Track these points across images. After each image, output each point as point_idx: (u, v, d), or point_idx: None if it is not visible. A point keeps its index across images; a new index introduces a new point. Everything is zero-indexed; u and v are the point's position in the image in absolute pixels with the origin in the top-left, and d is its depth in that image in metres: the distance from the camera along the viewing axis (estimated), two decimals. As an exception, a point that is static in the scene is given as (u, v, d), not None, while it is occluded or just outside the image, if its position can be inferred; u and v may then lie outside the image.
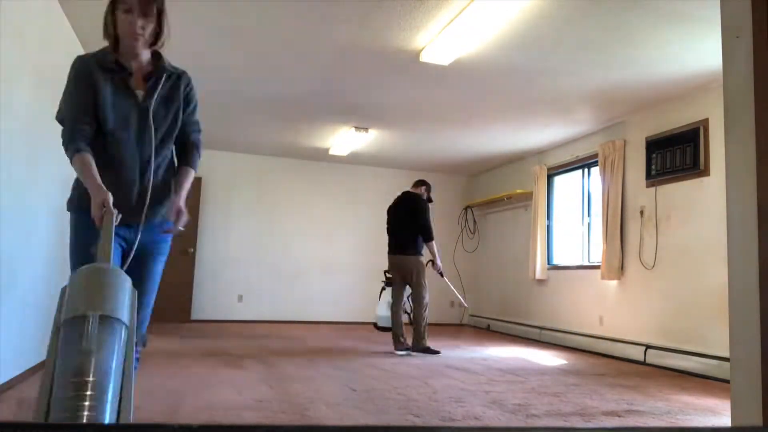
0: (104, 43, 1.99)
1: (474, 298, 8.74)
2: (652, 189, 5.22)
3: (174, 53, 4.70)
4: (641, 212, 5.33)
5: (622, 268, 5.52)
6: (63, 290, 1.35)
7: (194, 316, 7.55)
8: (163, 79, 1.96)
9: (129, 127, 1.86)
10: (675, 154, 4.94)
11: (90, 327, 1.24)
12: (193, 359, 4.41)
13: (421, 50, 4.14)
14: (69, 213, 1.87)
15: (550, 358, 5.25)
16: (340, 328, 7.49)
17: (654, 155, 5.17)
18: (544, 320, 6.75)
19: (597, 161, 5.97)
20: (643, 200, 5.32)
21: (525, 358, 5.19)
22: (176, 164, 2.00)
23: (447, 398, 3.31)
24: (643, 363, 5.02)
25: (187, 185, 1.93)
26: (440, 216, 8.88)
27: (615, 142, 5.68)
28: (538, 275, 6.80)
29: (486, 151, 7.31)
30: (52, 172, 3.77)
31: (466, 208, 8.88)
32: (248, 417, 2.75)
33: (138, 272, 1.78)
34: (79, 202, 1.80)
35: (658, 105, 5.19)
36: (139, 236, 1.83)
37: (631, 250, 5.44)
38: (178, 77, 2.03)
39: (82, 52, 4.34)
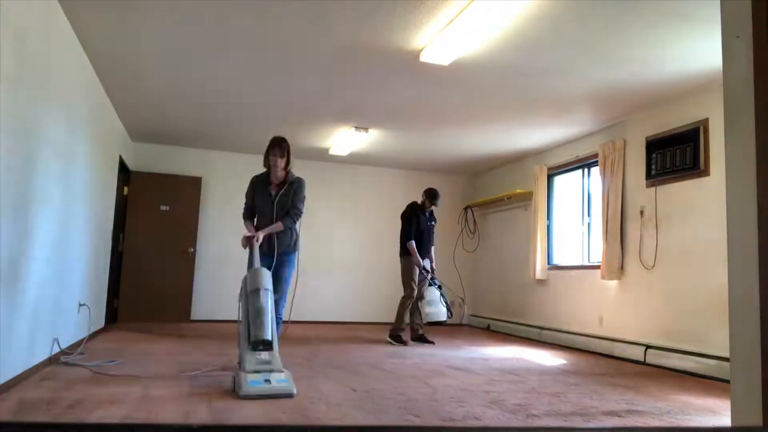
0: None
1: (474, 298, 8.75)
2: (652, 189, 5.22)
3: (174, 53, 4.70)
4: (641, 212, 5.33)
5: (622, 268, 5.52)
6: (245, 278, 3.46)
7: (194, 316, 7.55)
8: (286, 185, 4.06)
9: (266, 209, 4.08)
10: (675, 154, 4.94)
11: (262, 293, 3.31)
12: (193, 359, 4.41)
13: (421, 50, 4.14)
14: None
15: (550, 358, 5.25)
16: (340, 328, 7.49)
17: (654, 155, 5.17)
18: (544, 320, 6.75)
19: (597, 161, 5.98)
20: (643, 200, 5.32)
21: (525, 358, 5.19)
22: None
23: (447, 398, 3.31)
24: (643, 363, 5.02)
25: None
26: (440, 216, 8.87)
27: (615, 142, 5.68)
28: (538, 275, 6.80)
29: (486, 151, 7.32)
30: (52, 172, 3.77)
31: (466, 208, 8.88)
32: (248, 416, 2.75)
33: (277, 276, 3.95)
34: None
35: (658, 105, 5.19)
36: (274, 259, 4.05)
37: (631, 250, 5.44)
38: (292, 183, 4.09)
39: (82, 52, 4.35)
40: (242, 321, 3.36)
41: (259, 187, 4.11)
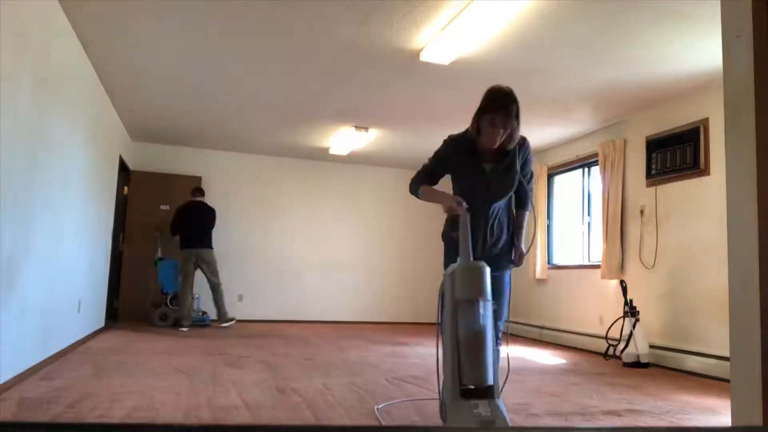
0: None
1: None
2: (653, 188, 5.22)
3: (175, 53, 4.68)
4: (641, 212, 5.33)
5: (622, 267, 5.52)
6: (452, 275, 2.17)
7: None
8: (508, 156, 2.57)
9: (478, 189, 2.56)
10: (675, 154, 4.94)
11: (479, 307, 2.08)
12: (193, 359, 4.41)
13: (421, 50, 4.14)
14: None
15: (550, 358, 5.25)
16: (340, 327, 7.49)
17: (654, 155, 5.16)
18: (545, 320, 6.75)
19: (597, 161, 5.97)
20: (643, 200, 5.32)
21: (525, 358, 5.19)
22: (514, 208, 2.68)
23: (447, 398, 3.31)
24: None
25: (524, 226, 2.69)
26: (440, 215, 8.87)
27: (615, 142, 5.68)
28: (538, 275, 6.80)
29: (486, 150, 7.31)
30: (52, 172, 3.77)
31: (466, 208, 8.87)
32: (248, 416, 2.75)
33: (492, 286, 2.39)
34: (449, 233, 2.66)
35: (658, 104, 5.19)
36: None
37: (631, 249, 5.43)
38: (518, 146, 2.59)
39: (82, 52, 4.35)
40: (448, 346, 2.17)
41: (460, 158, 2.65)
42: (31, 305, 3.49)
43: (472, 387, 2.06)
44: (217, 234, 7.80)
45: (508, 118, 2.48)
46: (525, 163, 2.61)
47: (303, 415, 2.81)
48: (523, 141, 2.61)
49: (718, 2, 1.88)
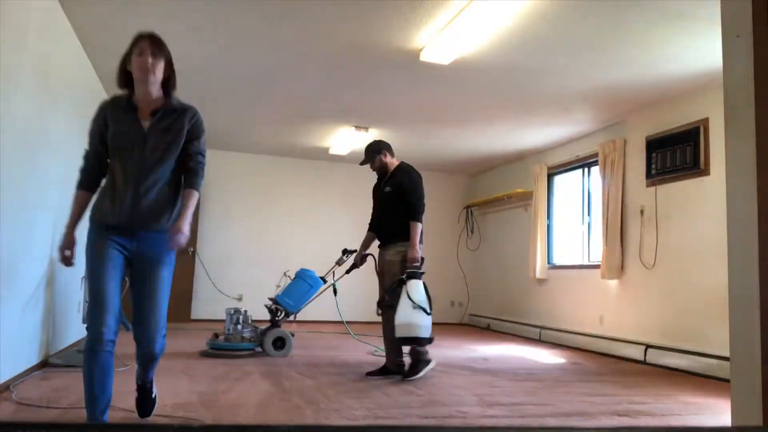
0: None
1: (474, 298, 8.74)
2: (653, 188, 5.22)
3: (174, 52, 4.68)
4: (641, 212, 5.33)
5: (622, 267, 5.51)
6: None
7: (194, 315, 7.55)
8: (165, 113, 2.29)
9: (132, 151, 2.22)
10: (675, 154, 4.94)
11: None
12: (193, 359, 4.41)
13: (421, 50, 4.14)
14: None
15: (550, 358, 5.25)
16: (340, 327, 7.49)
17: (654, 155, 5.16)
18: (544, 320, 6.75)
19: (597, 161, 5.97)
20: (643, 200, 5.32)
21: (525, 358, 5.19)
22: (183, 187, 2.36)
23: (446, 397, 3.31)
24: (643, 362, 5.01)
25: (188, 207, 2.27)
26: (440, 215, 8.88)
27: (615, 142, 5.68)
28: (538, 275, 6.80)
29: (486, 151, 7.31)
30: (52, 172, 3.77)
31: (466, 208, 8.88)
32: (248, 416, 2.75)
33: (139, 278, 2.43)
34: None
35: (658, 104, 5.19)
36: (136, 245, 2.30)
37: (631, 249, 5.43)
38: (183, 111, 2.33)
39: (82, 52, 4.35)
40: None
41: (111, 116, 2.27)
42: (31, 305, 3.49)
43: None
44: (217, 234, 7.80)
45: (156, 47, 2.49)
46: (192, 130, 2.36)
47: (303, 414, 2.81)
48: (190, 107, 2.43)
49: (718, 2, 1.88)
